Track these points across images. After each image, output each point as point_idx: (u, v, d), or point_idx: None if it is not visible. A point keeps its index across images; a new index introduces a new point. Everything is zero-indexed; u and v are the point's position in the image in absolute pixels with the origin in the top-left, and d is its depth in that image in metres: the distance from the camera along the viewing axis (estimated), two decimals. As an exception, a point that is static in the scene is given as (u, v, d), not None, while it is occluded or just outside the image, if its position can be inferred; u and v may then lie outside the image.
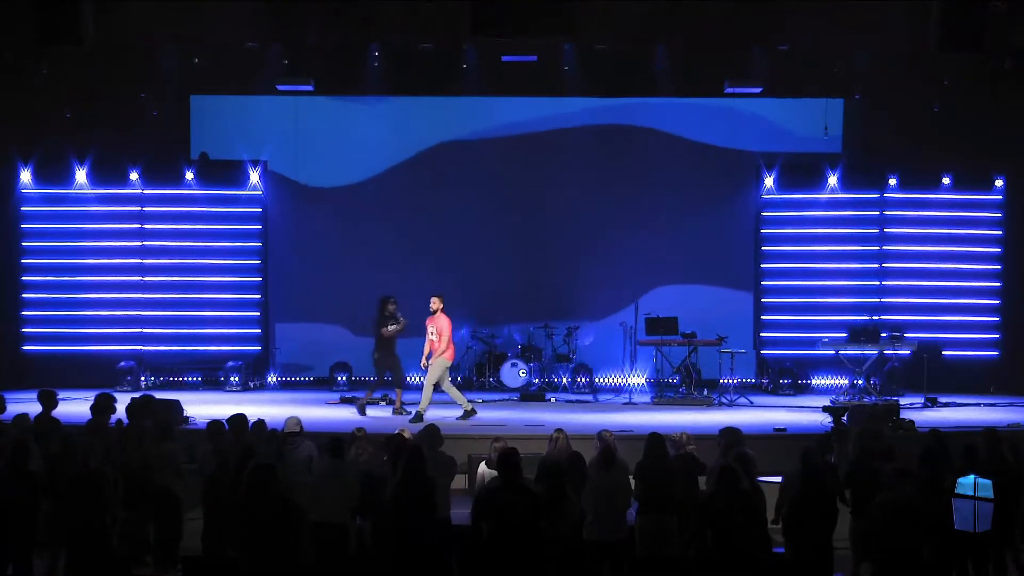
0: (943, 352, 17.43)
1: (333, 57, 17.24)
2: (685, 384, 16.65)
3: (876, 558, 8.89)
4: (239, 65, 17.38)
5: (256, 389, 17.75)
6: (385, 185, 18.49)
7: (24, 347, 17.92)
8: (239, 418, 10.57)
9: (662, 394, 16.54)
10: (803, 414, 14.91)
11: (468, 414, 14.37)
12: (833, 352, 16.59)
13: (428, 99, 18.38)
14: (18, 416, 10.82)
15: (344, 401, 16.29)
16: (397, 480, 9.02)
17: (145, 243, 18.04)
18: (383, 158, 18.45)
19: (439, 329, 14.41)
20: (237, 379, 17.54)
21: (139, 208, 18.06)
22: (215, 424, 10.50)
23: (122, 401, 11.62)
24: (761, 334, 18.22)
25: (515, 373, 17.33)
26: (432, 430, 10.25)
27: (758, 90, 17.13)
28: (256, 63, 17.19)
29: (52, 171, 17.85)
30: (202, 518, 9.86)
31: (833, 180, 17.92)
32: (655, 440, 9.86)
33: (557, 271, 18.34)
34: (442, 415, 14.20)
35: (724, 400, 16.20)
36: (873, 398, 15.54)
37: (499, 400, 16.72)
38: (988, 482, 8.77)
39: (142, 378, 17.46)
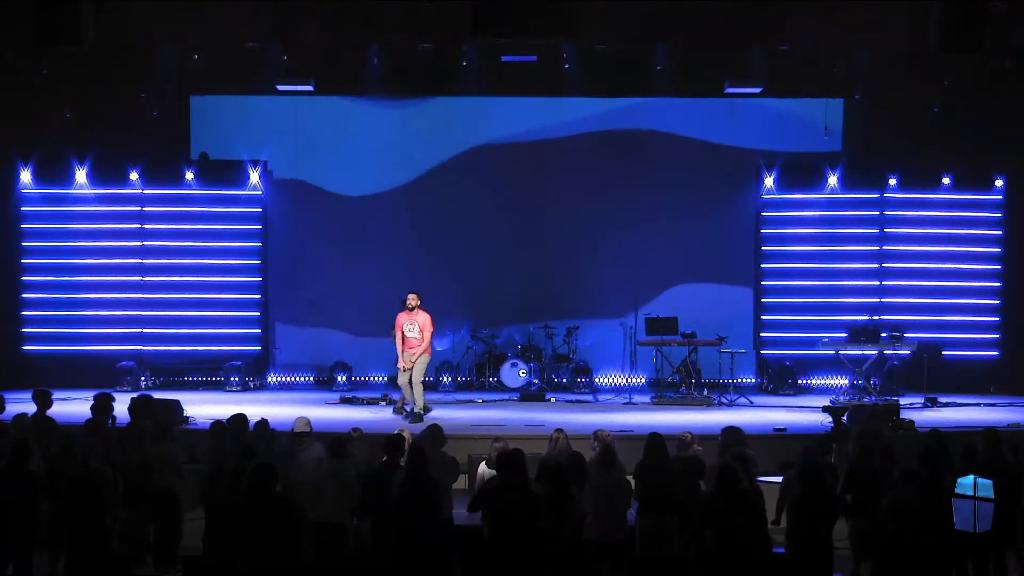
0: (943, 352, 17.41)
1: (333, 57, 17.23)
2: (685, 384, 16.65)
3: (877, 558, 8.89)
4: (239, 65, 17.36)
5: (256, 389, 17.75)
6: (385, 185, 18.48)
7: (24, 347, 17.90)
8: (239, 418, 10.58)
9: (662, 394, 16.53)
10: (803, 414, 14.91)
11: (417, 417, 14.13)
12: (833, 352, 16.59)
13: (428, 101, 18.38)
14: (17, 416, 10.83)
15: (344, 401, 16.30)
16: (400, 480, 9.03)
17: (145, 243, 18.02)
18: (383, 158, 18.43)
19: (421, 325, 14.35)
20: (237, 379, 17.54)
21: (139, 208, 18.04)
22: (218, 424, 10.51)
23: (122, 401, 11.63)
24: (761, 334, 18.22)
25: (515, 373, 17.33)
26: (435, 430, 10.26)
27: (758, 90, 17.13)
28: (256, 63, 17.17)
29: (52, 171, 17.84)
30: (203, 518, 9.84)
31: (833, 180, 17.92)
32: (655, 440, 9.87)
33: (557, 271, 18.34)
34: (443, 415, 14.21)
35: (724, 400, 16.20)
36: (873, 398, 15.54)
37: (499, 400, 16.72)
38: (988, 482, 8.77)
39: (142, 378, 17.46)
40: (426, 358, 14.40)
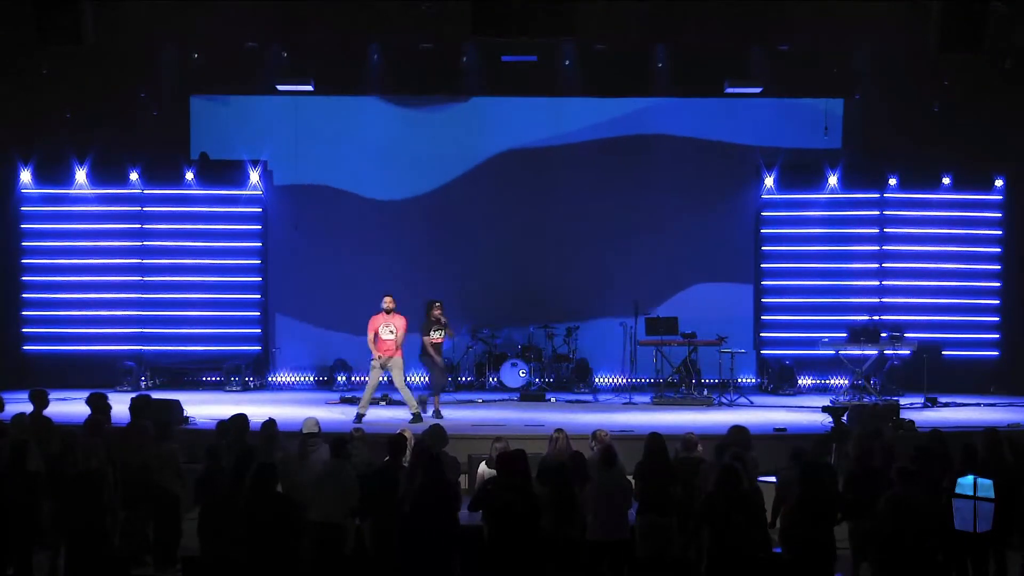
0: (943, 352, 17.41)
1: (333, 57, 17.25)
2: (685, 384, 16.65)
3: (876, 558, 8.90)
4: (239, 65, 17.38)
5: (256, 389, 17.74)
6: (385, 185, 18.48)
7: (24, 347, 17.90)
8: (239, 418, 10.58)
9: (662, 394, 16.53)
10: (803, 414, 14.91)
11: (416, 417, 14.03)
12: (833, 352, 16.60)
13: (432, 101, 18.38)
14: (16, 416, 10.82)
15: (344, 401, 16.29)
16: (419, 482, 9.05)
17: (145, 243, 18.02)
18: (383, 158, 18.43)
19: (399, 327, 14.36)
20: (237, 379, 17.54)
21: (139, 208, 18.04)
22: (224, 424, 10.53)
23: (122, 401, 11.63)
24: (761, 334, 18.22)
25: (515, 373, 17.33)
26: (437, 430, 10.27)
27: (758, 90, 17.13)
28: (256, 63, 17.19)
29: (52, 171, 17.83)
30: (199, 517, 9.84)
31: (833, 180, 17.92)
32: (655, 440, 9.87)
33: (557, 271, 18.33)
34: (443, 415, 14.20)
35: (724, 400, 16.20)
36: (873, 398, 15.54)
37: (499, 400, 16.72)
38: (988, 482, 8.78)
39: (142, 378, 17.46)
40: (401, 360, 14.40)
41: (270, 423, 10.79)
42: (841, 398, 15.85)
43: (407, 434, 10.39)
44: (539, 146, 18.49)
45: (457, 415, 14.60)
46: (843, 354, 16.41)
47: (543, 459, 10.15)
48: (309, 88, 17.12)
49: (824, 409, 13.82)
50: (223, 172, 18.03)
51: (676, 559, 9.08)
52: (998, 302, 18.03)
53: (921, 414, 14.90)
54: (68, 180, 17.82)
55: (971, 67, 16.41)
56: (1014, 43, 15.80)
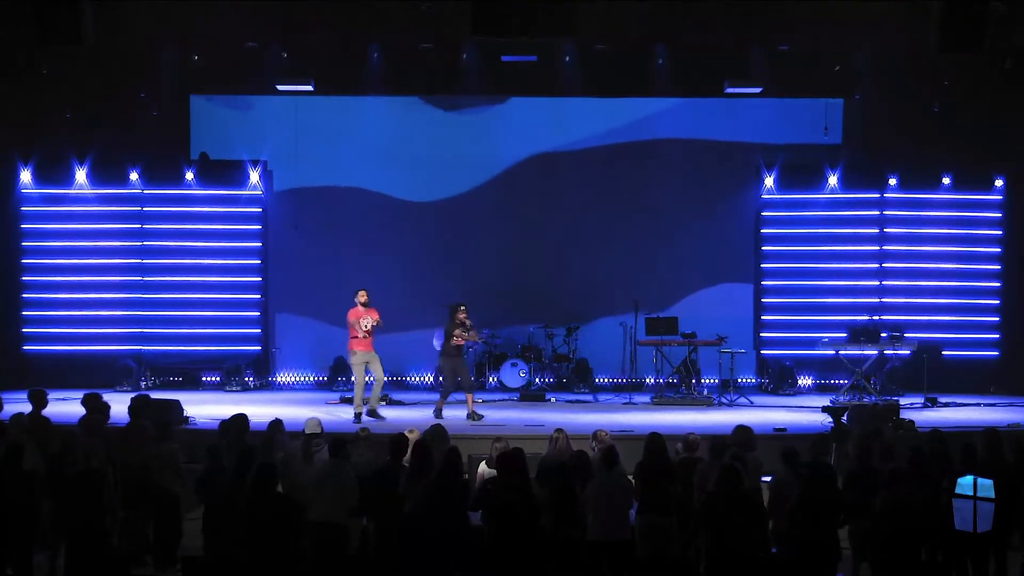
0: (943, 352, 17.42)
1: (333, 57, 17.25)
2: (685, 384, 16.65)
3: (875, 558, 8.90)
4: (239, 65, 17.38)
5: (256, 389, 17.74)
6: (384, 185, 18.48)
7: (24, 347, 17.90)
8: (239, 418, 10.58)
9: (662, 394, 16.53)
10: (803, 414, 14.91)
11: (359, 416, 14.14)
12: (833, 352, 16.60)
13: (428, 101, 18.36)
14: (15, 416, 10.81)
15: (344, 401, 16.28)
16: (431, 481, 9.06)
17: (145, 243, 18.02)
18: (382, 158, 18.43)
19: (374, 321, 14.40)
20: (237, 379, 17.54)
21: (139, 208, 18.04)
22: (225, 425, 10.55)
23: (123, 401, 11.63)
24: (761, 334, 18.22)
25: (515, 373, 17.33)
26: (439, 430, 10.28)
27: (758, 90, 17.14)
28: (256, 63, 17.19)
29: (52, 171, 17.84)
30: (201, 518, 9.84)
31: (833, 180, 17.92)
32: (655, 440, 9.88)
33: (557, 271, 18.34)
34: (443, 415, 14.20)
35: (724, 400, 16.21)
36: (873, 398, 15.54)
37: (499, 400, 16.72)
38: (988, 482, 8.77)
39: (142, 378, 17.46)
40: (375, 355, 14.50)
41: (276, 424, 10.77)
42: (841, 398, 15.85)
43: (410, 434, 10.40)
44: (543, 151, 18.47)
45: (457, 415, 14.60)
46: (843, 354, 16.41)
47: (543, 459, 10.16)
48: (309, 88, 17.12)
49: (824, 409, 13.83)
50: (223, 172, 18.03)
51: (676, 559, 9.07)
52: (998, 302, 18.03)
53: (921, 414, 14.90)
54: (68, 180, 17.82)
55: (971, 67, 16.41)
56: (1014, 43, 15.81)
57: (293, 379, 18.48)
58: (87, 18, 14.03)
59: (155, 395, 13.72)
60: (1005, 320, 18.00)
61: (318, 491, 9.24)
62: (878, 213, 18.08)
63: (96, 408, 11.14)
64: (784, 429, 13.48)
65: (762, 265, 18.26)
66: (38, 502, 9.33)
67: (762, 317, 18.25)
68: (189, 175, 17.87)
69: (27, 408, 11.08)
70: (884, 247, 18.05)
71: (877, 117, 17.83)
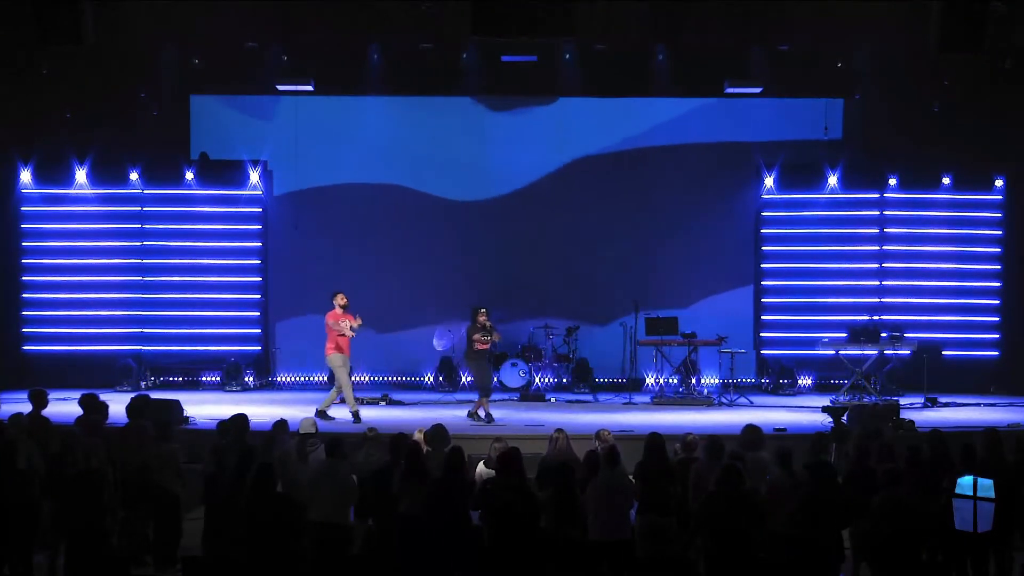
0: (943, 352, 17.43)
1: (333, 57, 17.25)
2: (685, 384, 16.65)
3: (873, 558, 8.89)
4: (239, 65, 17.38)
5: (256, 389, 17.74)
6: (384, 184, 18.46)
7: (24, 347, 17.90)
8: (240, 418, 10.58)
9: (662, 394, 16.53)
10: (803, 414, 14.90)
11: (357, 415, 14.15)
12: (833, 352, 16.59)
13: (428, 101, 18.35)
14: (13, 416, 10.81)
15: (343, 402, 16.24)
16: (433, 481, 9.06)
17: (145, 243, 18.02)
18: (381, 158, 18.42)
19: (353, 323, 14.41)
20: (237, 379, 17.54)
21: (139, 208, 18.04)
22: (224, 425, 10.55)
23: (123, 401, 11.63)
24: (761, 334, 18.22)
25: (515, 373, 17.32)
26: (440, 430, 10.28)
27: (758, 90, 17.14)
28: (256, 63, 17.19)
29: (52, 171, 17.84)
30: (203, 518, 9.84)
31: (833, 180, 17.92)
32: (655, 440, 9.87)
33: (557, 271, 18.33)
34: (443, 415, 14.20)
35: (724, 400, 16.20)
36: (873, 398, 15.53)
37: (499, 400, 16.67)
38: (989, 482, 8.77)
39: (142, 378, 17.45)
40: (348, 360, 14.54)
41: (281, 424, 10.76)
42: (841, 398, 15.85)
43: (415, 434, 10.41)
44: (543, 152, 18.47)
45: (457, 415, 14.60)
46: (843, 354, 16.41)
47: (543, 459, 10.16)
48: (309, 88, 17.12)
49: (824, 409, 13.84)
50: (223, 172, 18.03)
51: (676, 559, 9.07)
52: (998, 302, 18.04)
53: (921, 414, 14.89)
54: (68, 180, 17.82)
55: (971, 67, 16.42)
56: (1014, 43, 15.81)
57: (293, 379, 18.46)
58: (87, 18, 14.03)
59: (155, 395, 13.72)
60: (1005, 320, 18.00)
61: (315, 491, 9.24)
62: (878, 213, 18.08)
63: (94, 408, 11.13)
64: (784, 429, 13.47)
65: (762, 265, 18.26)
66: (38, 502, 9.33)
67: (762, 317, 18.24)
68: (189, 175, 17.86)
69: (27, 408, 11.07)
70: (884, 247, 18.05)
71: (877, 117, 17.83)
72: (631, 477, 9.66)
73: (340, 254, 18.22)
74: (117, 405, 11.93)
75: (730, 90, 17.12)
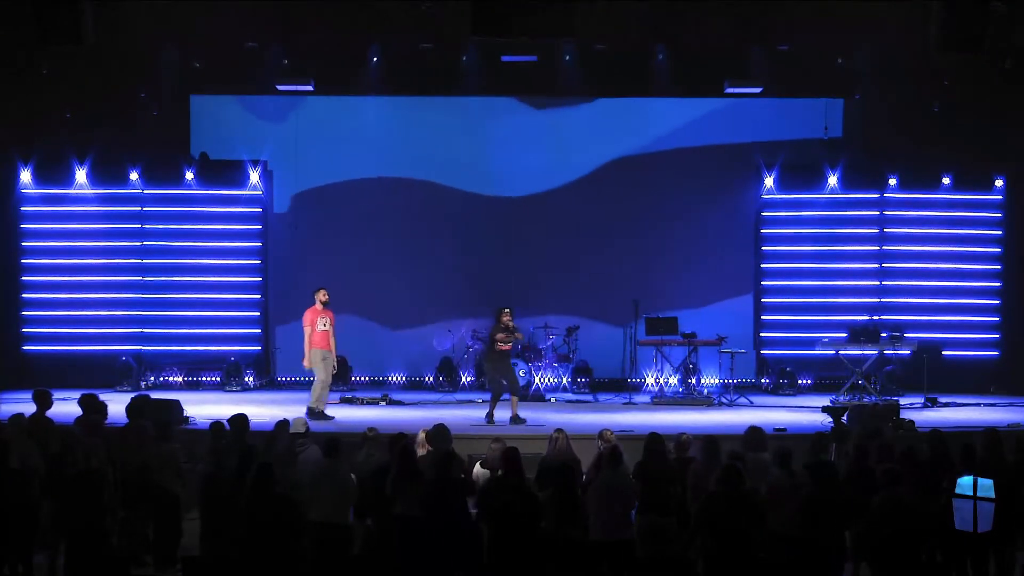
0: (943, 352, 17.42)
1: (333, 57, 17.25)
2: (685, 384, 16.65)
3: (873, 558, 8.89)
4: (239, 65, 17.38)
5: (256, 389, 17.72)
6: (384, 184, 18.46)
7: (24, 347, 17.90)
8: (240, 418, 10.58)
9: (662, 394, 16.53)
10: (803, 414, 14.90)
11: (318, 414, 14.13)
12: (833, 352, 16.58)
13: (427, 100, 18.36)
14: (14, 416, 10.81)
15: (344, 401, 16.28)
16: (430, 481, 9.07)
17: (145, 243, 18.02)
18: (380, 157, 18.43)
19: (331, 321, 14.44)
20: (237, 379, 17.54)
21: (139, 208, 18.03)
22: (217, 425, 10.54)
23: (122, 401, 11.62)
24: (761, 334, 18.21)
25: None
26: (441, 429, 10.28)
27: (758, 90, 17.14)
28: (256, 63, 17.20)
29: (52, 171, 17.83)
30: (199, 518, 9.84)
31: (833, 180, 17.92)
32: (655, 440, 9.87)
33: (557, 271, 18.33)
34: (443, 415, 14.19)
35: (724, 400, 16.20)
36: (873, 398, 15.53)
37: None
38: (989, 482, 8.77)
39: (142, 378, 17.45)
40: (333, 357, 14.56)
41: (284, 424, 10.76)
42: (841, 398, 15.84)
43: (422, 435, 10.42)
44: (543, 153, 18.46)
45: (457, 415, 14.59)
46: (843, 354, 16.40)
47: (543, 459, 10.15)
48: (309, 88, 17.13)
49: (824, 409, 13.83)
50: (223, 172, 18.03)
51: (676, 559, 9.07)
52: (998, 302, 18.03)
53: (921, 414, 14.89)
54: (68, 180, 17.82)
55: (971, 67, 16.41)
56: (1014, 43, 15.80)
57: (293, 379, 18.44)
58: (87, 18, 14.03)
59: (155, 395, 13.72)
60: (1005, 320, 18.00)
61: (314, 491, 9.24)
62: (878, 213, 18.07)
63: (94, 408, 11.13)
64: (784, 429, 13.46)
65: (762, 265, 18.25)
66: (38, 502, 9.33)
67: (762, 317, 18.24)
68: (189, 175, 17.86)
69: (28, 408, 11.06)
70: (884, 247, 18.04)
71: (877, 117, 17.83)
72: (631, 477, 9.67)
73: (340, 254, 18.21)
74: (117, 405, 11.93)
75: (730, 90, 17.13)
